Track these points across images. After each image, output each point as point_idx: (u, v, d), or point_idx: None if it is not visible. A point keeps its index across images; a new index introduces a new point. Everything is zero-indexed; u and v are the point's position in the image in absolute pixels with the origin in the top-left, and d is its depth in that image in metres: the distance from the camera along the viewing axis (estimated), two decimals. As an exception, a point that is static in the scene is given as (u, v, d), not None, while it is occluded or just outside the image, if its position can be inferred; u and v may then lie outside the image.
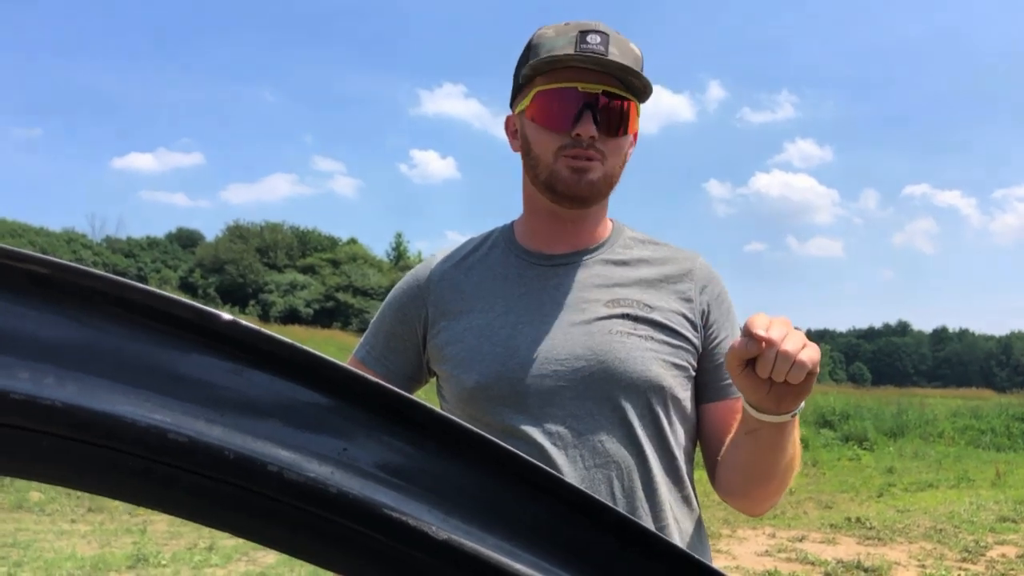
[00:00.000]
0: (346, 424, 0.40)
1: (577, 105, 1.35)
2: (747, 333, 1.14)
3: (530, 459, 0.42)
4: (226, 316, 0.38)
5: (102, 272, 0.36)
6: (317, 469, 0.39)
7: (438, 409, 0.41)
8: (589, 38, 1.35)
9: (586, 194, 1.39)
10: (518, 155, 1.48)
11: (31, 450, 0.36)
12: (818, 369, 1.16)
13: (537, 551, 0.41)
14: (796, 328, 1.16)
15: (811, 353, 1.14)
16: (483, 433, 0.41)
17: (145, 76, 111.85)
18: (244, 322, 0.38)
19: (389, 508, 0.40)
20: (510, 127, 1.49)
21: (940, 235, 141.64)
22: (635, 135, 1.45)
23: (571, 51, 1.34)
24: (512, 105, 1.48)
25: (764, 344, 1.13)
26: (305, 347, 0.39)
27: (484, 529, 0.41)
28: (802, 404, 1.23)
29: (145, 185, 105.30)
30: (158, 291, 0.37)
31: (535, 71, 1.37)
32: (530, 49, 1.40)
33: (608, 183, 1.40)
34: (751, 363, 1.16)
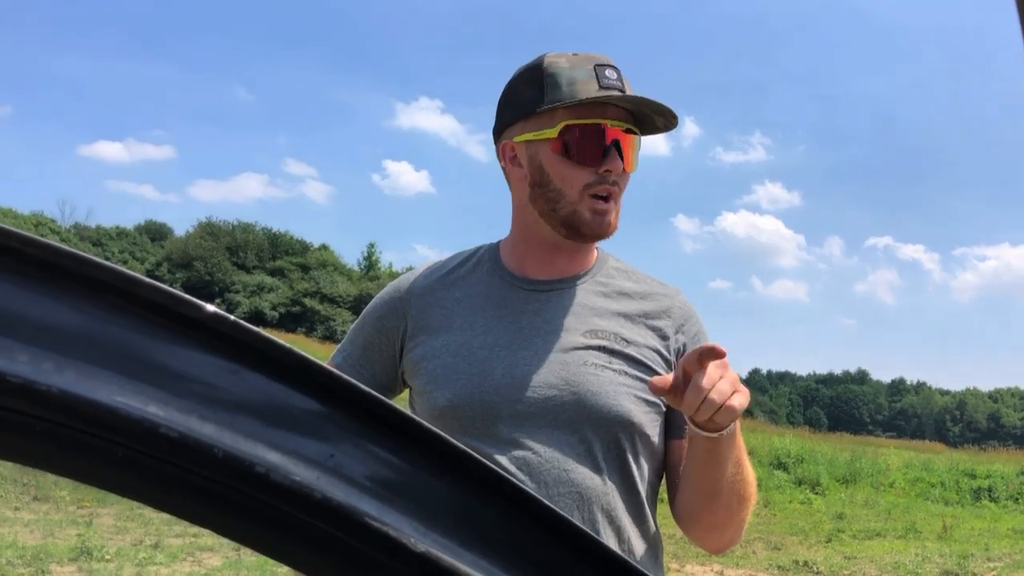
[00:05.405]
0: (335, 431, 0.41)
1: (607, 141, 1.37)
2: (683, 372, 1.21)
3: (513, 480, 0.42)
4: (230, 317, 0.38)
5: (112, 264, 0.37)
6: (303, 473, 0.40)
7: (426, 423, 0.42)
8: (608, 73, 1.37)
9: (606, 235, 1.42)
10: (497, 181, 1.49)
11: (24, 434, 0.37)
12: (743, 409, 1.21)
13: (513, 571, 0.42)
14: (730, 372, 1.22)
15: (740, 399, 1.19)
16: (468, 450, 0.42)
17: (117, 63, 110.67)
18: (246, 324, 0.39)
19: (370, 517, 0.40)
20: (507, 153, 1.46)
21: (902, 288, 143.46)
22: None
23: (594, 85, 1.36)
24: (509, 131, 1.46)
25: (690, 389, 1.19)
26: (302, 352, 0.40)
27: (462, 545, 0.42)
28: (732, 426, 1.26)
29: (112, 174, 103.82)
30: (166, 287, 0.37)
31: (560, 103, 1.36)
32: (544, 77, 1.39)
33: (618, 220, 1.43)
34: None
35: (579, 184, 1.38)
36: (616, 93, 1.36)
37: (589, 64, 1.38)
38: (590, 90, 1.36)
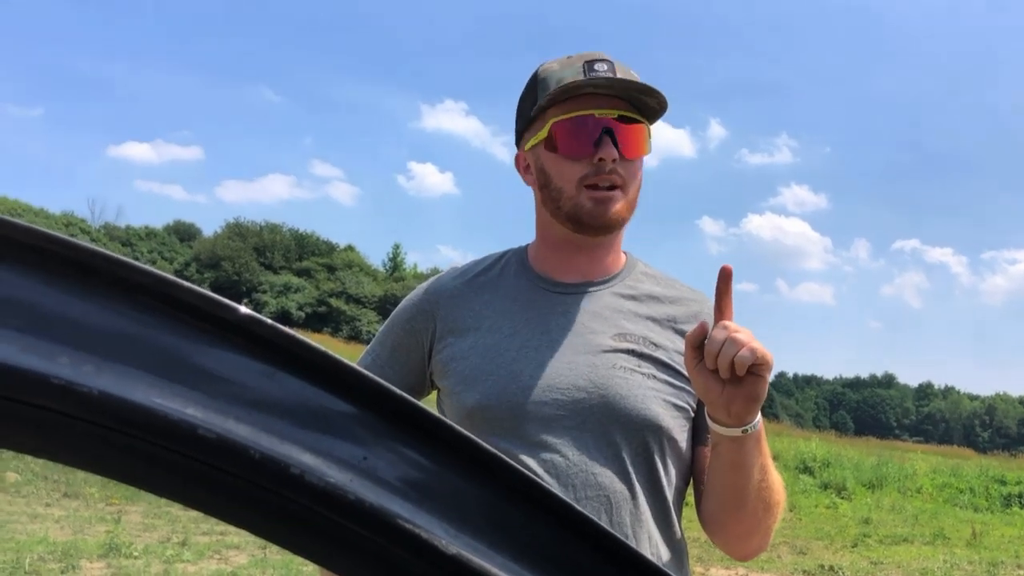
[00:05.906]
0: (368, 434, 0.41)
1: (597, 131, 1.37)
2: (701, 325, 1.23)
3: (543, 482, 0.43)
4: (266, 320, 0.39)
5: (151, 268, 0.38)
6: (337, 475, 0.40)
7: (457, 426, 0.42)
8: (597, 66, 1.38)
9: (612, 224, 1.42)
10: (521, 183, 1.52)
11: (64, 435, 0.37)
12: (767, 372, 1.21)
13: (543, 574, 0.42)
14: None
15: (761, 348, 1.19)
16: (499, 453, 0.43)
17: (146, 65, 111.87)
18: (281, 326, 0.39)
19: (403, 519, 0.41)
20: (521, 163, 1.51)
21: (930, 291, 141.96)
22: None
23: (581, 79, 1.37)
24: (520, 142, 1.50)
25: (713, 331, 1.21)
26: (335, 355, 0.40)
27: (492, 547, 0.42)
28: (756, 421, 1.26)
29: (141, 175, 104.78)
30: (204, 291, 0.38)
31: (550, 102, 1.39)
32: (537, 84, 1.43)
33: (629, 209, 1.43)
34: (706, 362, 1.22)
35: (574, 178, 1.39)
36: (609, 80, 1.37)
37: (579, 62, 1.40)
38: (577, 82, 1.37)
